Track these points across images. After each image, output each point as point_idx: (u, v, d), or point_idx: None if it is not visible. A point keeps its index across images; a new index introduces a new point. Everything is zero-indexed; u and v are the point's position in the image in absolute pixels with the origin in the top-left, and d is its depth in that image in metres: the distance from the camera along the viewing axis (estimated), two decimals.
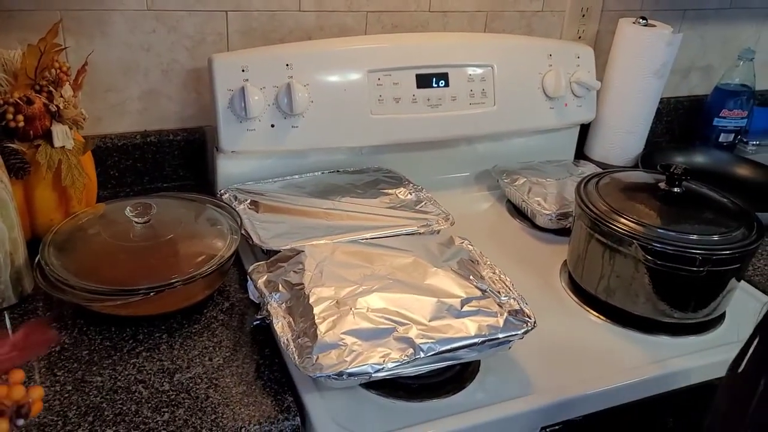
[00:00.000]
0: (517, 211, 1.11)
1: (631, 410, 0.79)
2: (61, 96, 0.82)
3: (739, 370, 0.53)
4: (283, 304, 0.72)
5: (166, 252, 0.78)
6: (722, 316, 0.87)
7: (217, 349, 0.73)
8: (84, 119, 0.84)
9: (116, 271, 0.74)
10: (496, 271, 0.79)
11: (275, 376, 0.70)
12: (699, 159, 1.28)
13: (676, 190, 0.86)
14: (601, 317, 0.86)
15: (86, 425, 0.62)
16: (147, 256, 0.77)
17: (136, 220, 0.79)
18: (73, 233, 0.79)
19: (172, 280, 0.73)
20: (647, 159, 1.21)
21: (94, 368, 0.68)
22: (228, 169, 1.00)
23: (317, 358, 0.63)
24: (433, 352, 0.65)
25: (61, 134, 0.81)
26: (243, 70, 0.94)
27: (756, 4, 1.38)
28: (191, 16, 0.98)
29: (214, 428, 0.63)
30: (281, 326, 0.69)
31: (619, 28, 1.18)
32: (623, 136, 1.21)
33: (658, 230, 0.79)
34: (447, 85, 1.06)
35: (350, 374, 0.62)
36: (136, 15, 0.95)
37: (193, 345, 0.73)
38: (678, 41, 1.14)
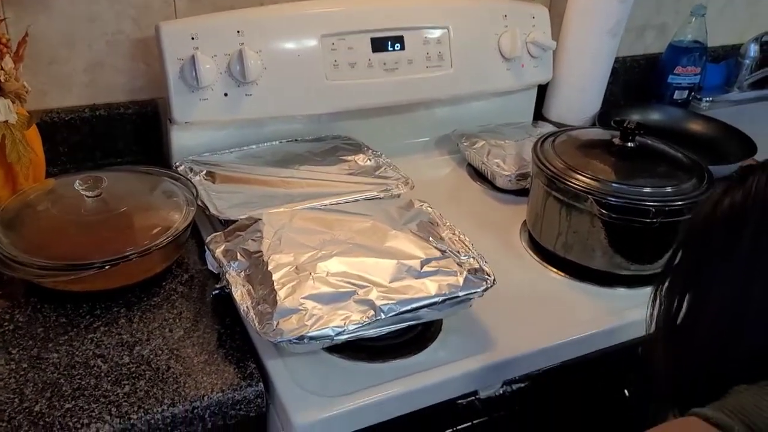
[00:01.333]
0: (478, 174, 1.11)
1: (591, 364, 0.81)
2: (2, 68, 0.79)
3: (665, 286, 0.57)
4: (242, 273, 0.72)
5: (119, 225, 0.77)
6: None
7: (178, 320, 0.73)
8: (27, 92, 0.82)
9: (67, 246, 0.73)
10: (456, 232, 0.79)
11: (237, 344, 0.70)
12: (654, 116, 1.30)
13: (629, 145, 0.87)
14: (560, 273, 0.87)
15: (44, 401, 0.61)
16: (99, 229, 0.76)
17: (86, 194, 0.77)
18: (21, 210, 0.77)
19: (127, 253, 0.72)
20: (604, 117, 1.22)
21: (50, 345, 0.67)
22: (182, 141, 0.98)
23: (277, 323, 0.63)
24: (393, 313, 0.65)
25: (3, 108, 0.78)
26: (192, 38, 0.91)
27: None
28: None
29: (176, 398, 0.62)
30: (240, 294, 0.69)
31: None
32: (580, 96, 1.22)
33: (613, 185, 0.81)
34: (403, 48, 1.05)
35: (311, 338, 0.62)
36: None
37: (153, 317, 0.73)
38: None
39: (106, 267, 0.70)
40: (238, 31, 0.94)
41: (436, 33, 1.07)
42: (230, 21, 0.94)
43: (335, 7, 1.01)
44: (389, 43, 1.04)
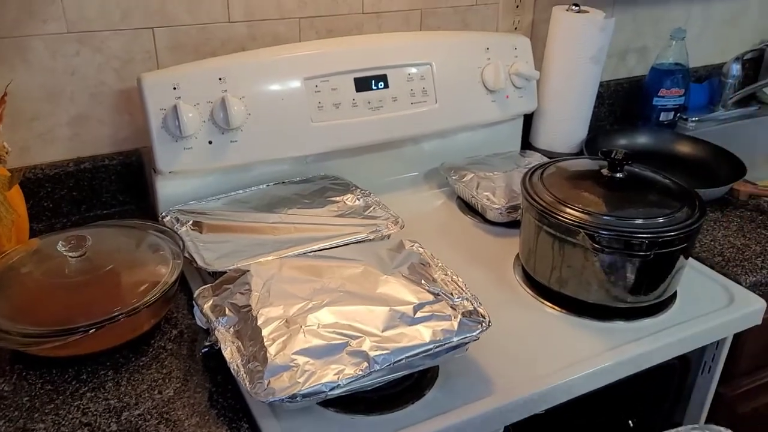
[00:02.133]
0: (468, 207, 1.10)
1: (594, 398, 0.79)
2: None
3: None
4: (231, 329, 0.70)
5: (105, 284, 0.75)
6: (674, 296, 0.88)
7: (167, 380, 0.71)
8: (7, 152, 0.81)
9: (53, 311, 0.71)
10: (448, 273, 0.78)
11: (229, 403, 0.68)
12: (641, 140, 1.30)
13: (618, 175, 0.86)
14: (557, 308, 0.86)
15: None
16: (85, 291, 0.74)
17: (70, 255, 0.75)
18: (4, 274, 0.75)
19: (114, 314, 0.70)
20: (591, 144, 1.22)
21: (36, 415, 0.65)
22: (168, 189, 0.97)
23: (269, 382, 0.61)
24: (388, 364, 0.64)
25: None
26: (174, 88, 0.91)
27: None
28: (116, 36, 0.94)
29: None
30: (230, 352, 0.67)
31: (553, 16, 1.18)
32: (566, 123, 1.22)
33: (604, 217, 0.80)
34: (386, 86, 1.05)
35: (304, 395, 0.60)
36: (57, 39, 0.91)
37: (142, 379, 0.71)
38: (611, 25, 1.15)
39: (92, 330, 0.68)
40: (220, 79, 0.93)
41: (419, 69, 1.07)
42: (212, 69, 0.94)
43: (317, 49, 1.01)
44: (372, 81, 1.04)
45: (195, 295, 0.76)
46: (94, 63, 0.95)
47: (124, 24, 0.94)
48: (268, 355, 0.64)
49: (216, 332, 0.70)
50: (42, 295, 0.73)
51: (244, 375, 0.64)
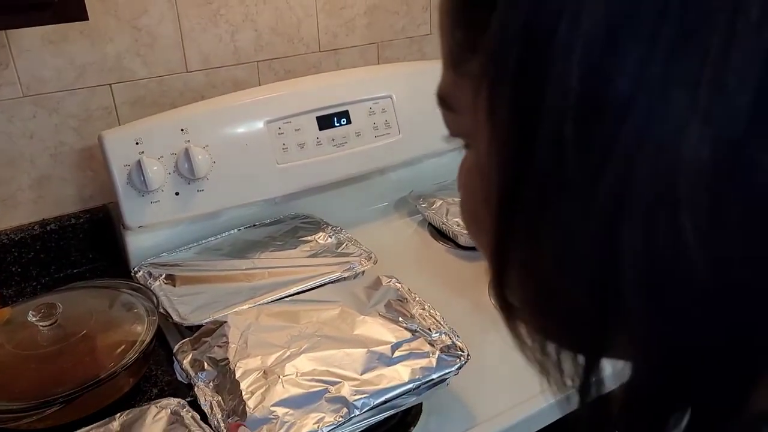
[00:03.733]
0: (440, 234, 1.11)
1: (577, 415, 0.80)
2: None
3: None
4: (210, 383, 0.70)
5: (80, 351, 0.74)
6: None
7: None
8: None
9: (28, 384, 0.70)
10: (426, 307, 0.78)
11: None
12: None
13: None
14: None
15: None
16: (59, 360, 0.73)
17: (41, 324, 0.74)
18: None
19: (92, 382, 0.69)
20: None
21: None
22: (138, 243, 0.96)
23: None
24: (368, 407, 0.64)
25: None
26: (137, 143, 0.91)
27: None
28: (72, 95, 0.94)
29: None
30: (210, 407, 0.66)
31: None
32: None
33: None
34: (349, 122, 1.06)
35: None
36: (12, 103, 0.91)
37: None
38: None
39: (68, 400, 0.67)
40: (182, 129, 0.93)
41: (380, 102, 1.08)
42: (173, 120, 0.94)
43: (277, 91, 1.02)
44: (335, 118, 1.04)
45: (174, 351, 0.75)
46: (51, 124, 0.94)
47: (80, 83, 0.94)
48: (247, 408, 0.64)
49: (196, 388, 0.69)
50: (16, 369, 0.72)
51: (225, 430, 0.63)
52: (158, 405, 0.69)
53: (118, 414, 0.67)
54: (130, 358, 0.73)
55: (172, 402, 0.69)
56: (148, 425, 0.66)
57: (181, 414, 0.68)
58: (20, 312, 0.79)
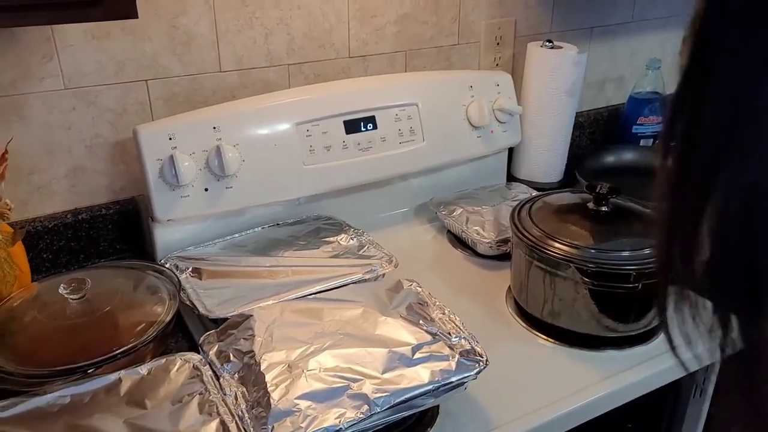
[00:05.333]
0: (459, 241, 1.13)
1: (590, 425, 0.81)
2: None
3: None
4: (236, 374, 0.72)
5: (104, 325, 0.78)
6: (664, 321, 0.91)
7: None
8: (9, 209, 0.82)
9: (54, 352, 0.74)
10: (446, 312, 0.80)
11: None
12: (628, 156, 1.36)
13: (603, 208, 0.90)
14: (550, 339, 0.88)
15: None
16: (85, 332, 0.77)
17: (71, 297, 0.78)
18: (7, 320, 0.78)
19: (113, 353, 0.72)
20: (581, 166, 1.26)
21: None
22: (166, 236, 0.99)
23: (273, 428, 0.63)
24: (388, 406, 0.65)
25: None
26: (170, 138, 0.94)
27: (656, 15, 1.46)
28: (110, 90, 0.97)
29: None
30: (235, 397, 0.69)
31: (528, 52, 1.23)
32: (545, 155, 1.26)
33: (592, 251, 0.83)
34: (375, 127, 1.08)
35: None
36: (53, 95, 0.94)
37: None
38: (584, 60, 1.20)
39: (90, 370, 0.71)
40: (214, 127, 0.96)
41: (406, 109, 1.11)
42: (205, 118, 0.96)
43: (306, 94, 1.05)
44: (362, 123, 1.07)
45: (200, 342, 0.78)
46: (89, 117, 0.97)
47: (118, 78, 0.97)
48: (271, 400, 0.66)
49: (221, 378, 0.71)
50: (44, 338, 0.76)
51: (249, 421, 0.65)
52: (183, 358, 0.74)
53: (147, 359, 0.74)
54: (149, 336, 0.77)
55: (195, 357, 0.75)
56: (172, 375, 0.72)
57: (202, 370, 0.73)
58: (51, 285, 0.83)
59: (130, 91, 0.99)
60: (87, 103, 0.96)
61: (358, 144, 1.07)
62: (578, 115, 1.40)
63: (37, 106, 0.93)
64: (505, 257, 1.03)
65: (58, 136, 0.96)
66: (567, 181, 1.29)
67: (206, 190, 0.96)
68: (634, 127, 1.41)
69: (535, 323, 0.90)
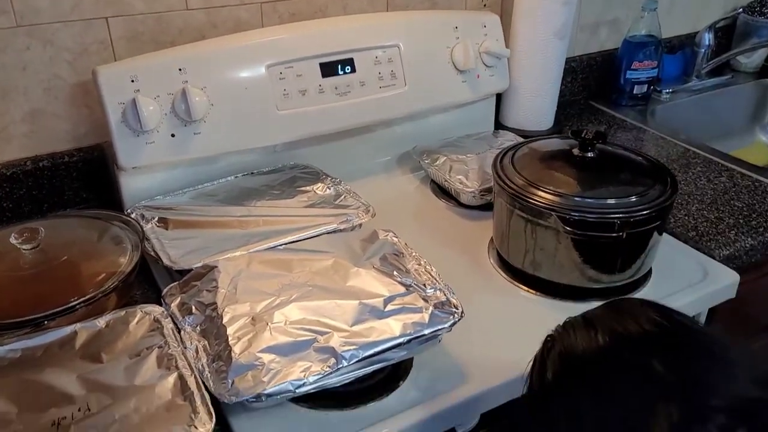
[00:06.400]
0: (442, 191, 1.09)
1: None
2: None
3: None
4: (198, 327, 0.69)
5: (60, 276, 0.74)
6: (649, 273, 0.88)
7: None
8: None
9: (6, 305, 0.70)
10: (422, 263, 0.77)
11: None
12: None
13: (589, 154, 0.85)
14: (531, 291, 0.85)
15: None
16: (40, 283, 0.73)
17: (23, 247, 0.74)
18: None
19: (71, 304, 0.69)
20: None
21: None
22: (133, 185, 0.94)
23: (233, 382, 0.60)
24: (356, 359, 0.62)
25: None
26: (132, 81, 0.88)
27: None
28: (67, 27, 0.91)
29: None
30: (195, 351, 0.65)
31: None
32: (534, 101, 1.20)
33: (575, 199, 0.78)
34: (353, 70, 1.02)
35: (269, 395, 0.59)
36: (6, 33, 0.87)
37: None
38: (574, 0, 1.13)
39: (45, 322, 0.67)
40: (180, 69, 0.90)
41: (387, 52, 1.04)
42: (171, 59, 0.91)
43: (280, 34, 0.98)
44: (339, 66, 1.01)
45: (163, 294, 0.74)
46: (45, 56, 0.91)
47: (76, 14, 0.90)
48: (232, 354, 0.62)
49: (182, 332, 0.68)
50: None
51: (209, 375, 0.62)
52: (144, 310, 0.72)
53: (106, 313, 0.70)
54: (108, 287, 0.73)
55: (157, 310, 0.72)
56: (131, 328, 0.69)
57: (162, 323, 0.70)
58: (4, 235, 0.78)
59: (89, 29, 0.92)
60: (43, 42, 0.90)
61: (336, 88, 1.01)
62: (570, 60, 1.34)
63: None
64: (489, 207, 0.99)
65: (13, 77, 0.90)
66: (557, 129, 1.24)
67: (173, 136, 0.91)
68: (628, 72, 1.36)
69: (516, 274, 0.87)
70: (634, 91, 1.38)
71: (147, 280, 0.85)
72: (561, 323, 0.55)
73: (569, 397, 0.50)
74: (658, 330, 0.49)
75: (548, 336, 0.55)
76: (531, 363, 0.56)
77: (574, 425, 0.48)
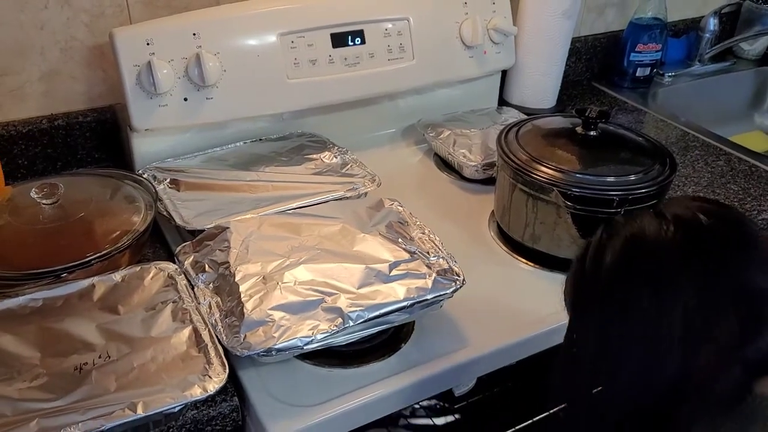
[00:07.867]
0: (445, 164, 1.11)
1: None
2: None
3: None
4: (210, 284, 0.72)
5: (77, 231, 0.77)
6: None
7: None
8: None
9: (27, 256, 0.73)
10: (426, 231, 0.79)
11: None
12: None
13: (592, 133, 0.87)
14: (530, 263, 0.88)
15: None
16: (58, 237, 0.76)
17: (43, 202, 0.77)
18: None
19: (87, 258, 0.72)
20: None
21: None
22: (144, 147, 0.96)
23: (245, 336, 0.63)
24: (362, 320, 0.66)
25: None
26: (148, 44, 0.89)
27: None
28: None
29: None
30: (209, 306, 0.68)
31: None
32: (538, 79, 1.22)
33: (576, 175, 0.81)
34: (363, 42, 1.04)
35: (279, 350, 0.62)
36: None
37: None
38: None
39: (64, 275, 0.70)
40: (194, 34, 0.92)
41: (397, 25, 1.06)
42: (186, 24, 0.92)
43: (293, 4, 1.00)
44: (349, 37, 1.03)
45: (176, 252, 0.77)
46: (63, 17, 0.92)
47: None
48: (245, 310, 0.66)
49: (195, 288, 0.71)
50: (17, 242, 0.75)
51: (222, 329, 0.65)
52: (158, 266, 0.75)
53: (122, 267, 0.73)
54: (124, 243, 0.76)
55: (171, 266, 0.75)
56: (146, 283, 0.72)
57: (176, 279, 0.72)
58: (24, 190, 0.81)
59: None
60: (61, 2, 0.91)
61: (345, 59, 1.03)
62: (576, 40, 1.36)
63: (6, 2, 0.88)
64: (491, 181, 1.02)
65: (30, 36, 0.92)
66: (559, 109, 1.26)
67: (185, 99, 0.93)
68: (632, 54, 1.37)
69: (516, 247, 0.90)
70: (637, 74, 1.40)
71: (158, 240, 0.88)
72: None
73: (629, 284, 0.48)
74: (732, 232, 0.48)
75: (610, 221, 0.53)
76: (583, 247, 0.54)
77: (627, 315, 0.47)
